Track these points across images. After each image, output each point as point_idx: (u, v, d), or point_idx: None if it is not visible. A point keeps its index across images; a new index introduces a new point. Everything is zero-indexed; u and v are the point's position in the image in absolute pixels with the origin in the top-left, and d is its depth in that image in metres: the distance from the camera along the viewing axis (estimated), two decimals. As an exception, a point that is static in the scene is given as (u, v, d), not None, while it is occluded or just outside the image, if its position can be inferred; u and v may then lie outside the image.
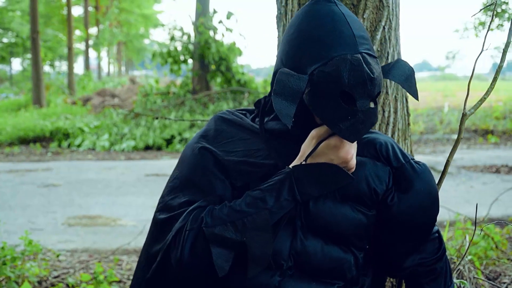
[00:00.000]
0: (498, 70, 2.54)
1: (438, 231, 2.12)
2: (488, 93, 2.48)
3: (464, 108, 2.45)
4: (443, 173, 2.54)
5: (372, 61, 1.77)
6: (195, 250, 1.84)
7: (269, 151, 1.96)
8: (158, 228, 1.99)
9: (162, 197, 2.06)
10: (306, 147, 1.87)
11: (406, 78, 1.84)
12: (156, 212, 2.04)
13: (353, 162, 1.88)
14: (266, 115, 2.00)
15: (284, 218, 1.92)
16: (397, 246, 2.05)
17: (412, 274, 2.09)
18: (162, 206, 2.01)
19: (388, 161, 1.99)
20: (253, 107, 2.13)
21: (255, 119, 2.08)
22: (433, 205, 2.02)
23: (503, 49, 2.51)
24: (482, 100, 2.48)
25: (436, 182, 2.13)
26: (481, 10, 2.55)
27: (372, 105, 1.84)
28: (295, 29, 1.82)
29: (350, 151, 1.86)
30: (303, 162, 1.86)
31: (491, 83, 2.51)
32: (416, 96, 1.84)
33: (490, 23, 2.50)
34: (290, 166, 1.88)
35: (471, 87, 2.46)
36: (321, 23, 1.78)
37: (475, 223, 2.49)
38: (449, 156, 2.50)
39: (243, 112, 2.17)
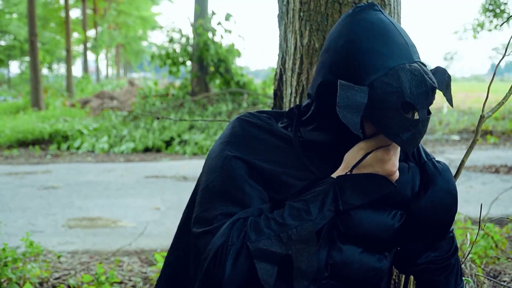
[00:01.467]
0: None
1: (452, 230, 2.13)
2: (506, 97, 2.48)
3: (483, 110, 2.44)
4: (457, 174, 2.54)
5: (428, 71, 1.75)
6: (238, 266, 1.77)
7: (308, 162, 1.91)
8: (194, 241, 1.91)
9: (188, 206, 2.05)
10: (352, 158, 1.83)
11: (446, 86, 1.81)
12: (192, 224, 1.93)
13: (397, 174, 1.85)
14: (303, 125, 1.94)
15: (324, 228, 1.88)
16: (414, 243, 2.02)
17: (424, 270, 2.08)
18: (196, 219, 1.91)
19: (414, 159, 2.02)
20: (269, 109, 2.09)
21: (287, 128, 2.00)
22: (453, 204, 2.01)
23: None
24: (500, 104, 2.48)
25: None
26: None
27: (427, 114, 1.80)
28: (345, 39, 1.77)
29: (395, 164, 1.83)
30: (348, 173, 1.83)
31: (510, 88, 2.50)
32: (451, 103, 1.82)
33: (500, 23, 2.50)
34: (334, 176, 1.85)
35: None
36: (374, 33, 1.74)
37: (479, 222, 2.49)
38: (464, 157, 2.51)
39: (267, 116, 2.07)
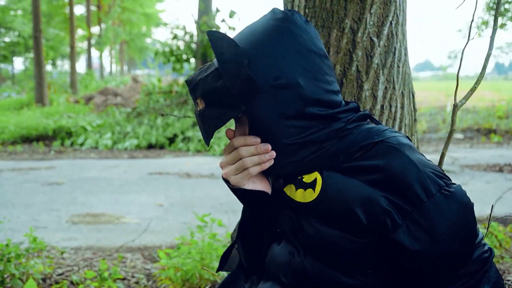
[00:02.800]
0: (486, 58, 2.53)
1: (476, 249, 1.80)
2: (478, 82, 2.49)
3: (455, 99, 2.46)
4: (439, 166, 2.54)
5: (204, 68, 1.85)
6: None
7: None
8: None
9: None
10: None
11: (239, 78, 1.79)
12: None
13: (224, 171, 1.91)
14: None
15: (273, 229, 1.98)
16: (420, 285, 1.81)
17: None
18: None
19: (405, 200, 1.73)
20: None
21: None
22: (463, 245, 1.75)
23: (490, 37, 2.51)
24: (473, 89, 2.49)
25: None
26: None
27: (200, 108, 1.84)
28: None
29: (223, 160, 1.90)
30: None
31: (481, 72, 2.52)
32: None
33: (473, 16, 2.51)
34: None
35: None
36: None
37: (489, 220, 2.48)
38: (443, 149, 2.51)
39: None
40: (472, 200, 1.79)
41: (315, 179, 1.86)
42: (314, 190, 1.85)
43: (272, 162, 1.85)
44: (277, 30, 1.82)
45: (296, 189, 1.90)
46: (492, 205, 2.36)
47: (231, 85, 1.75)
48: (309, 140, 1.81)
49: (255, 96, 1.78)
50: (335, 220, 1.80)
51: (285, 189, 1.95)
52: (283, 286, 1.95)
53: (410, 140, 1.91)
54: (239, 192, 1.92)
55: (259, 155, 1.83)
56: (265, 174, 1.95)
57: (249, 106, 1.79)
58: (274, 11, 1.88)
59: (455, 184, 1.79)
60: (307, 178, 1.88)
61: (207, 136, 1.84)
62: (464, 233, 1.74)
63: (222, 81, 1.77)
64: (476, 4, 2.49)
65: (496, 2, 2.56)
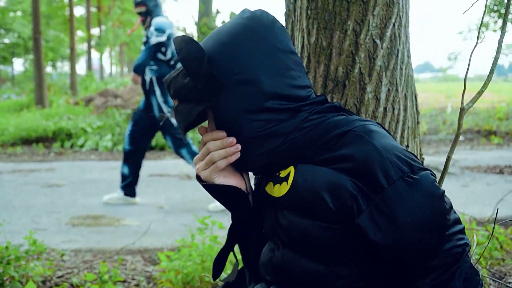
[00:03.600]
0: (494, 62, 2.53)
1: (448, 239, 1.77)
2: (485, 85, 2.49)
3: (462, 102, 2.45)
4: (444, 170, 2.53)
5: (176, 68, 2.03)
6: None
7: None
8: None
9: None
10: None
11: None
12: None
13: (196, 166, 1.99)
14: None
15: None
16: (393, 274, 1.81)
17: None
18: None
19: (369, 187, 1.74)
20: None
21: None
22: (427, 236, 1.73)
23: (498, 41, 2.51)
24: (480, 93, 2.48)
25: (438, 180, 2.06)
26: (470, 7, 2.54)
27: (175, 104, 1.96)
28: None
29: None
30: None
31: (488, 76, 2.51)
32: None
33: (482, 17, 2.50)
34: None
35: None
36: None
37: (494, 221, 2.46)
38: (449, 152, 2.50)
39: None
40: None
41: (289, 172, 1.90)
42: (287, 182, 1.89)
43: (238, 155, 1.91)
44: (241, 29, 1.90)
45: (274, 185, 1.95)
46: (497, 209, 2.34)
47: (193, 82, 1.85)
48: (272, 132, 1.87)
49: (218, 93, 1.85)
50: (305, 209, 1.83)
51: (266, 188, 2.00)
52: (269, 285, 1.99)
53: (382, 127, 1.94)
54: (210, 188, 1.97)
55: (225, 148, 1.89)
56: (239, 169, 2.01)
57: (213, 102, 1.87)
58: (244, 11, 1.96)
59: (424, 171, 1.78)
60: (283, 173, 1.93)
61: (182, 131, 1.95)
62: (428, 222, 1.73)
63: (189, 79, 1.86)
64: (485, 8, 2.47)
65: (505, 5, 2.55)
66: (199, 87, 1.84)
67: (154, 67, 8.38)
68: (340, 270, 1.83)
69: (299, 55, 2.57)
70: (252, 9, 1.97)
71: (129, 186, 8.47)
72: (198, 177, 1.99)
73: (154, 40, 8.22)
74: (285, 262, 1.91)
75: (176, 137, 8.33)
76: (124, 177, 8.47)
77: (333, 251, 1.82)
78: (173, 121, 8.14)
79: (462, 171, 11.44)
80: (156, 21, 8.36)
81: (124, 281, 4.87)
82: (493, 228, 2.54)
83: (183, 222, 7.31)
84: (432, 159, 12.72)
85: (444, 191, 1.79)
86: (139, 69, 8.33)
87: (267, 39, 1.90)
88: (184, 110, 1.90)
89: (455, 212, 1.82)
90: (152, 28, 8.31)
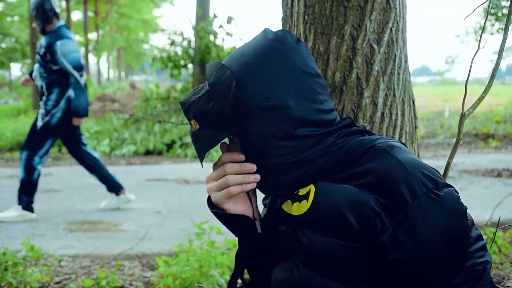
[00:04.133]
0: (495, 67, 2.52)
1: (471, 255, 1.75)
2: (486, 91, 2.47)
3: (463, 108, 2.44)
4: (444, 175, 2.53)
5: (196, 90, 1.92)
6: None
7: None
8: None
9: None
10: None
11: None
12: None
13: (208, 185, 1.97)
14: None
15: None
16: None
17: None
18: None
19: (393, 201, 1.71)
20: None
21: None
22: (449, 253, 1.69)
23: (500, 46, 2.50)
24: (481, 99, 2.47)
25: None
26: (472, 11, 2.54)
27: (194, 129, 1.89)
28: None
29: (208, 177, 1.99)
30: None
31: (489, 81, 2.50)
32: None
33: (485, 21, 2.49)
34: None
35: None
36: None
37: (496, 228, 2.45)
38: (449, 158, 2.49)
39: None
40: (471, 205, 1.76)
41: (309, 190, 1.86)
42: (307, 200, 1.85)
43: (254, 185, 1.87)
44: (267, 51, 1.85)
45: (292, 203, 1.90)
46: (500, 217, 2.33)
47: (220, 107, 1.81)
48: (300, 160, 1.84)
49: (245, 118, 1.81)
50: (327, 227, 1.79)
51: (283, 206, 1.95)
52: None
53: (403, 144, 1.90)
54: (219, 215, 1.95)
55: (243, 174, 1.86)
56: (263, 192, 2.00)
57: (239, 128, 1.83)
58: (266, 31, 1.92)
59: (448, 187, 1.74)
60: (302, 191, 1.88)
61: (200, 156, 1.88)
62: (451, 240, 1.69)
63: (213, 103, 1.82)
64: (487, 14, 2.47)
65: (507, 11, 2.54)
66: (224, 114, 1.80)
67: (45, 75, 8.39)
68: None
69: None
70: (273, 28, 1.94)
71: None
72: (209, 199, 1.98)
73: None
74: (305, 281, 1.85)
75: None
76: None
77: (355, 270, 1.78)
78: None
79: (460, 174, 11.44)
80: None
81: (121, 287, 4.86)
82: (495, 233, 2.53)
83: (181, 227, 7.30)
84: (430, 163, 12.61)
85: (467, 208, 1.75)
86: None
87: (294, 61, 1.85)
88: (206, 136, 1.86)
89: (476, 229, 1.79)
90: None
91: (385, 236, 1.69)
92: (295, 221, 1.89)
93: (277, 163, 1.84)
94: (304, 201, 1.86)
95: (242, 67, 1.84)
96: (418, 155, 2.84)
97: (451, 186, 1.76)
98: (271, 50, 1.84)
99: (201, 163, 1.92)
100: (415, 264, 1.69)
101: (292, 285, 1.89)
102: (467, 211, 1.76)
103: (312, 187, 1.86)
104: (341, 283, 1.80)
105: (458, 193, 1.77)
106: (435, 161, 13.27)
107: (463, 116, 2.43)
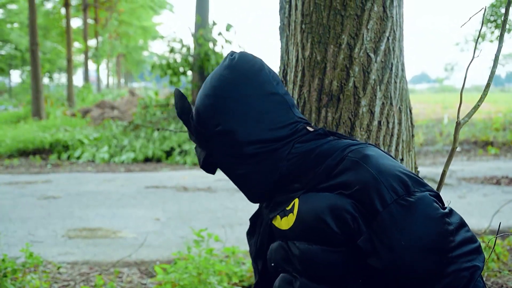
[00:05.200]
0: (490, 76, 2.54)
1: (453, 262, 1.73)
2: (481, 100, 2.49)
3: (458, 117, 2.46)
4: (440, 183, 2.54)
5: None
6: None
7: None
8: None
9: None
10: None
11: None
12: None
13: None
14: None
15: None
16: None
17: None
18: None
19: (367, 210, 1.78)
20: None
21: None
22: (426, 257, 1.72)
23: (495, 55, 2.51)
24: (476, 107, 2.49)
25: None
26: (469, 19, 2.55)
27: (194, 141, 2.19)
28: None
29: None
30: None
31: (484, 90, 2.52)
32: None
33: (480, 30, 2.51)
34: None
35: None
36: None
37: (496, 233, 2.46)
38: (445, 166, 2.50)
39: None
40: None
41: (294, 204, 1.96)
42: (293, 213, 1.95)
43: None
44: (219, 80, 2.06)
45: (281, 218, 2.01)
46: (500, 223, 2.34)
47: (189, 134, 2.16)
48: (254, 171, 2.06)
49: (207, 142, 2.10)
50: (312, 235, 1.87)
51: (274, 222, 2.08)
52: None
53: (376, 146, 2.04)
54: None
55: None
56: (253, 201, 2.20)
57: (207, 149, 2.13)
58: (226, 57, 2.13)
59: (423, 192, 1.78)
60: (289, 206, 1.99)
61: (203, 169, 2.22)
62: (427, 246, 1.71)
63: (189, 131, 2.17)
64: (482, 22, 2.49)
65: (497, 17, 2.56)
66: (193, 139, 2.15)
67: None
68: None
69: (293, 68, 2.59)
70: (230, 53, 2.14)
71: None
72: None
73: None
74: None
75: None
76: None
77: (345, 274, 1.84)
78: None
79: (459, 182, 11.44)
80: None
81: (120, 294, 4.87)
82: (495, 242, 2.54)
83: (179, 234, 7.31)
84: (429, 170, 12.73)
85: (445, 212, 1.76)
86: None
87: (244, 88, 2.03)
88: (197, 153, 2.20)
89: (467, 231, 1.78)
90: None
91: (360, 241, 1.76)
92: (285, 235, 2.00)
93: (240, 174, 2.08)
94: (291, 215, 1.96)
95: (201, 96, 2.10)
96: (415, 163, 2.84)
97: (426, 187, 1.81)
98: (222, 79, 2.05)
99: (211, 173, 2.24)
100: (392, 271, 1.73)
101: None
102: (464, 218, 1.77)
103: (296, 200, 1.97)
104: None
105: (435, 194, 1.82)
106: (434, 169, 13.27)
107: (458, 125, 2.45)
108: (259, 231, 2.23)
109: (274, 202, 2.08)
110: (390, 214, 1.73)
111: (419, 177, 1.86)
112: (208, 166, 2.20)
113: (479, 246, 1.78)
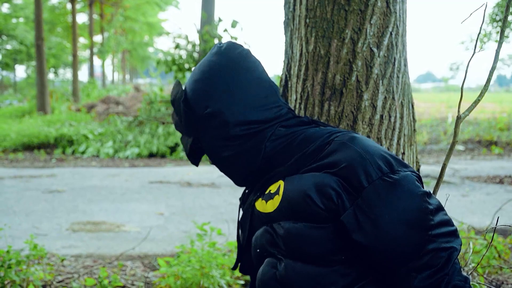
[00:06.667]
0: (491, 71, 2.55)
1: (432, 241, 1.80)
2: (482, 94, 2.51)
3: (459, 111, 2.47)
4: (440, 177, 2.55)
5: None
6: None
7: None
8: None
9: None
10: None
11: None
12: None
13: None
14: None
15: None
16: (385, 272, 1.85)
17: None
18: None
19: (351, 186, 1.84)
20: None
21: None
22: (411, 232, 1.78)
23: (496, 50, 2.53)
24: (476, 102, 2.50)
25: (433, 189, 2.10)
26: (467, 18, 2.57)
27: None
28: None
29: None
30: None
31: (485, 84, 2.54)
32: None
33: (481, 26, 2.52)
34: None
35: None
36: None
37: (493, 230, 2.49)
38: (445, 160, 2.52)
39: None
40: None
41: (279, 186, 2.03)
42: (279, 194, 2.01)
43: None
44: (207, 65, 2.19)
45: (266, 202, 2.07)
46: (497, 218, 2.37)
47: (179, 119, 2.26)
48: (240, 152, 2.15)
49: (196, 125, 2.19)
50: (297, 213, 1.92)
51: (257, 207, 2.13)
52: None
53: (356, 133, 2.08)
54: None
55: None
56: (239, 185, 2.33)
57: (195, 134, 2.22)
58: (215, 46, 2.25)
59: (405, 171, 1.87)
60: (273, 188, 2.06)
61: (189, 159, 2.37)
62: (409, 220, 1.79)
63: (177, 117, 2.29)
64: (483, 18, 2.50)
65: (502, 16, 2.59)
66: (183, 124, 2.25)
67: None
68: (341, 270, 1.89)
69: (297, 62, 2.62)
70: (218, 43, 2.26)
71: None
72: None
73: None
74: (289, 272, 1.94)
75: None
76: None
77: (329, 251, 1.88)
78: None
79: (462, 180, 11.44)
80: None
81: (123, 287, 4.89)
82: (492, 238, 2.56)
83: (182, 229, 7.33)
84: (433, 169, 12.73)
85: (426, 192, 1.85)
86: None
87: (231, 71, 2.14)
88: (183, 142, 2.31)
89: (445, 214, 1.86)
90: None
91: (344, 216, 1.83)
92: (271, 218, 2.04)
93: (225, 156, 2.17)
94: (276, 196, 2.02)
95: (190, 83, 2.21)
96: (417, 157, 2.86)
97: (408, 169, 1.90)
98: (210, 64, 2.18)
99: (194, 164, 2.37)
100: (375, 245, 1.80)
101: (277, 278, 1.98)
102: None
103: (281, 182, 2.03)
104: (320, 266, 1.91)
105: (417, 176, 1.92)
106: (437, 167, 13.25)
107: (459, 119, 2.47)
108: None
109: (259, 185, 2.15)
110: (375, 189, 1.81)
111: (402, 160, 1.96)
112: (194, 154, 2.33)
113: (456, 230, 1.86)
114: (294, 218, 1.93)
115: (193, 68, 2.32)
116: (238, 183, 2.28)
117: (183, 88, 2.25)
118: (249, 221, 2.21)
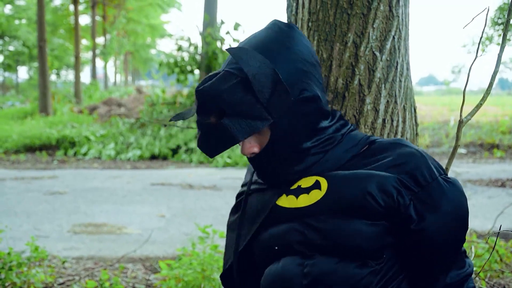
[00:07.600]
0: (493, 75, 2.55)
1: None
2: (484, 98, 2.51)
3: (461, 115, 2.48)
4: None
5: (221, 78, 1.87)
6: None
7: None
8: None
9: None
10: None
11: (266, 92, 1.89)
12: None
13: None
14: None
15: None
16: (424, 267, 1.91)
17: None
18: None
19: (417, 182, 1.87)
20: None
21: None
22: (461, 227, 1.91)
23: (498, 54, 2.53)
24: (479, 106, 2.51)
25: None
26: (470, 21, 2.56)
27: (215, 120, 1.90)
28: None
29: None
30: None
31: (487, 89, 2.54)
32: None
33: (483, 30, 2.52)
34: None
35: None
36: None
37: (497, 234, 2.49)
38: (447, 164, 2.52)
39: None
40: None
41: (317, 181, 1.94)
42: (320, 189, 1.91)
43: None
44: (297, 44, 1.96)
45: (297, 197, 1.94)
46: (500, 225, 2.36)
47: (263, 97, 1.84)
48: (322, 147, 1.98)
49: (284, 109, 1.86)
50: (349, 209, 1.86)
51: (281, 204, 1.98)
52: None
53: None
54: None
55: None
56: (273, 181, 2.05)
57: (277, 118, 1.87)
58: (276, 23, 2.00)
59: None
60: (305, 183, 1.96)
61: (221, 148, 1.92)
62: (462, 216, 1.90)
63: (252, 93, 1.84)
64: (485, 22, 2.50)
65: (504, 19, 2.58)
66: (266, 104, 1.84)
67: None
68: (377, 270, 1.88)
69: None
70: (276, 20, 2.03)
71: None
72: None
73: None
74: (321, 269, 1.85)
75: None
76: None
77: (374, 248, 1.87)
78: None
79: (464, 184, 11.42)
80: None
81: (124, 289, 4.89)
82: (495, 242, 2.56)
83: (184, 231, 7.33)
84: (434, 172, 12.69)
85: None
86: None
87: (309, 53, 2.00)
88: (238, 126, 1.85)
89: None
90: None
91: (407, 210, 1.85)
92: (304, 213, 1.91)
93: (305, 148, 1.94)
94: (316, 190, 1.91)
95: (282, 61, 1.90)
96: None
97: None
98: (294, 41, 1.96)
99: (212, 156, 1.97)
100: (431, 230, 1.85)
101: (304, 275, 1.86)
102: (468, 219, 1.93)
103: (319, 178, 1.94)
104: (357, 264, 1.86)
105: None
106: (439, 170, 13.23)
107: (461, 123, 2.47)
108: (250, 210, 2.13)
109: (286, 180, 2.01)
110: (439, 184, 1.87)
111: None
112: (224, 144, 1.92)
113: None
114: (344, 214, 1.86)
115: (248, 43, 1.96)
116: (273, 180, 2.05)
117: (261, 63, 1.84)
118: (261, 221, 2.03)
